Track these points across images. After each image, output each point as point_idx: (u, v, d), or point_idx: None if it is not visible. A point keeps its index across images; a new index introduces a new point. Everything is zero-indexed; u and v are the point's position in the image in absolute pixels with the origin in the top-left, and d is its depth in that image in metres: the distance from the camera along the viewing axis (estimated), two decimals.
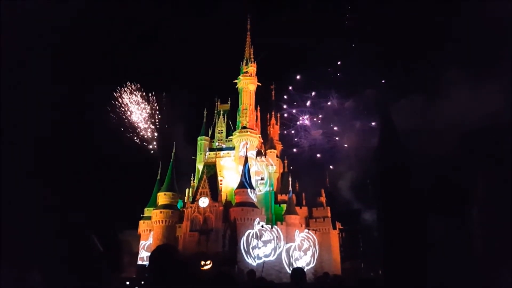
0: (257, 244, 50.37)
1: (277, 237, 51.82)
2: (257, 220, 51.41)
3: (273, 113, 70.42)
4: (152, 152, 65.86)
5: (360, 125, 58.60)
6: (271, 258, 50.15)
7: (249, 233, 50.17)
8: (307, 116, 66.98)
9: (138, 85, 65.67)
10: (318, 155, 66.59)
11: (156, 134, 67.08)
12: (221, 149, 62.42)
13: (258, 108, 65.66)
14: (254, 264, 46.56)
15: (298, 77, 64.69)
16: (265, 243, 50.89)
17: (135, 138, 65.61)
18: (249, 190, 52.55)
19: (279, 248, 51.51)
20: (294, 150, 66.97)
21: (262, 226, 50.93)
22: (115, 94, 64.67)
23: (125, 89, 65.59)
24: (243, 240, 49.53)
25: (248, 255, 49.09)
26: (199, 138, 63.61)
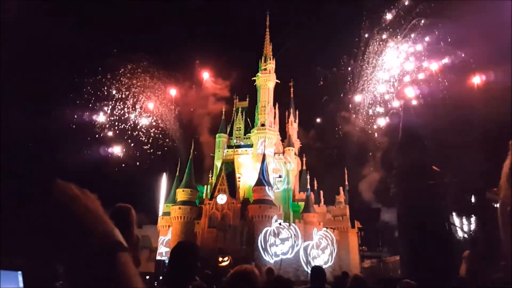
0: (275, 241, 50.31)
1: (294, 235, 51.63)
2: (275, 217, 51.34)
3: (291, 111, 70.09)
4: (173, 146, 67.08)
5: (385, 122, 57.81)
6: (289, 256, 50.03)
7: (266, 231, 50.15)
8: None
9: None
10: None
11: (172, 129, 68.23)
12: (239, 146, 62.53)
13: (277, 106, 65.47)
14: (272, 261, 46.50)
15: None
16: (283, 240, 50.79)
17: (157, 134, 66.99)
18: (267, 187, 52.48)
19: (297, 246, 51.32)
20: None
21: (280, 224, 50.81)
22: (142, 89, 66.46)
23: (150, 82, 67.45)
24: (260, 237, 49.54)
25: (265, 253, 49.09)
26: (217, 135, 63.90)
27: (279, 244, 50.34)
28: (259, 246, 49.15)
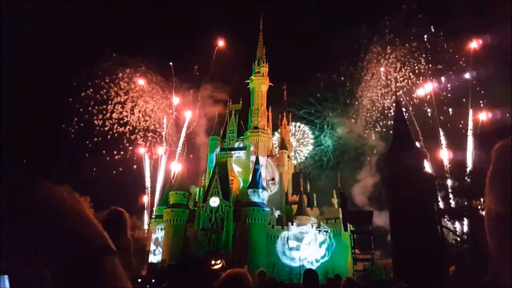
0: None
1: (287, 237, 51.56)
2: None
3: (284, 114, 70.24)
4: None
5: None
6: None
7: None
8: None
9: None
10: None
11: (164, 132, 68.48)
12: (232, 149, 62.40)
13: (270, 108, 65.53)
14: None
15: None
16: None
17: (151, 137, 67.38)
18: (260, 190, 52.42)
19: (290, 248, 51.26)
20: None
21: (273, 227, 50.72)
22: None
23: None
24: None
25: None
26: (210, 137, 63.77)
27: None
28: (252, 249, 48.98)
